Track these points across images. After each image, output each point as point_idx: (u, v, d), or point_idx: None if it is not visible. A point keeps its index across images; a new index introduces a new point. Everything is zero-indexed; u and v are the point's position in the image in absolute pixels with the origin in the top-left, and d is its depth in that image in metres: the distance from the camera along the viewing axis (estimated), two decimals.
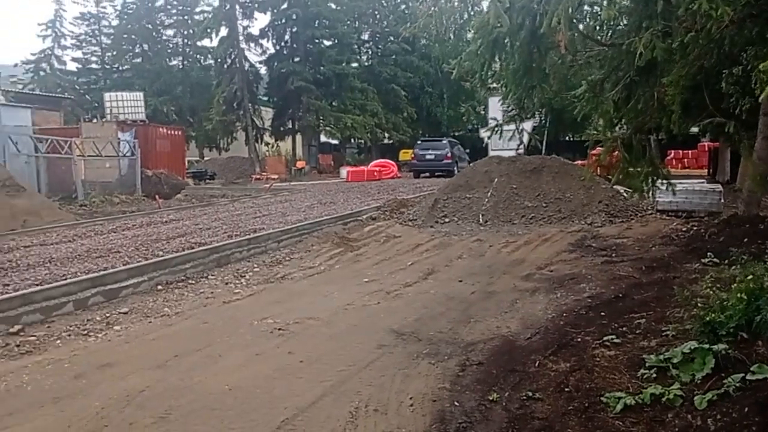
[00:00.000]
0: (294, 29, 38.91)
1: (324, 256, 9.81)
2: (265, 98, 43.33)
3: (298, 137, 41.94)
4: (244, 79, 37.19)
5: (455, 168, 30.28)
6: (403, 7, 45.57)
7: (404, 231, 12.25)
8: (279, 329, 5.82)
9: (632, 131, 5.55)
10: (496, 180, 13.85)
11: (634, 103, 5.28)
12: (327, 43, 40.09)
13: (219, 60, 39.30)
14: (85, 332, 5.89)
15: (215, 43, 40.67)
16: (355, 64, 42.14)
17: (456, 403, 4.02)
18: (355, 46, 43.39)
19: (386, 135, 42.27)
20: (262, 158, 38.79)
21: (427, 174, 31.26)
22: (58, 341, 5.62)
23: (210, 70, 53.16)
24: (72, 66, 58.61)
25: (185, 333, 5.84)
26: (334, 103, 38.58)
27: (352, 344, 5.36)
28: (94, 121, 29.70)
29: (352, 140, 43.99)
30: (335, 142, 47.32)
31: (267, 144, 42.50)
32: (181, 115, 48.72)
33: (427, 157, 30.23)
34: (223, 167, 40.12)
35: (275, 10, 38.72)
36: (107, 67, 58.04)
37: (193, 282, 8.00)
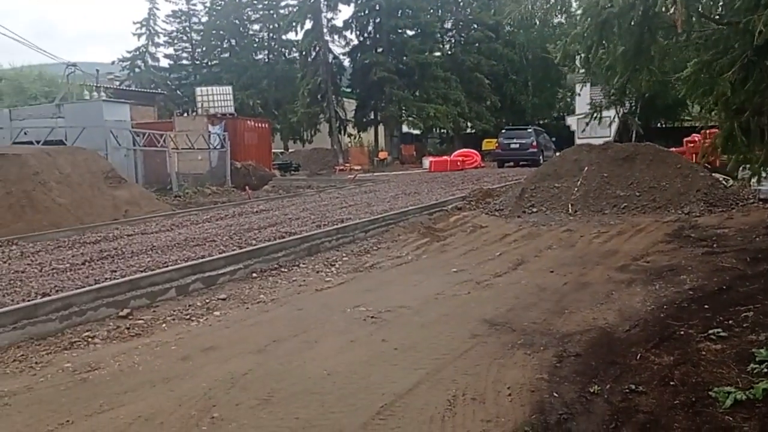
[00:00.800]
0: (377, 20, 39.07)
1: (411, 246, 9.84)
2: (348, 90, 43.77)
3: (380, 128, 42.16)
4: (328, 71, 37.71)
5: (540, 157, 29.67)
6: None
7: (491, 221, 12.11)
8: (372, 317, 5.89)
9: (749, 114, 5.23)
10: (586, 169, 13.45)
11: (752, 84, 4.97)
12: (410, 32, 40.03)
13: (304, 53, 39.99)
14: (188, 317, 6.14)
15: (300, 36, 41.47)
16: (437, 53, 41.89)
17: (555, 395, 3.95)
18: (438, 35, 43.14)
19: (469, 124, 41.85)
20: (345, 149, 39.25)
21: (511, 163, 30.80)
22: (164, 325, 5.90)
23: (294, 64, 54.27)
24: (164, 62, 61.36)
25: (281, 319, 6.00)
26: (416, 93, 38.52)
27: (444, 333, 5.36)
28: (185, 115, 30.99)
29: (434, 130, 43.78)
30: (417, 132, 47.29)
31: (350, 135, 42.98)
32: (267, 108, 49.96)
33: (512, 146, 29.76)
34: (306, 159, 40.93)
35: (359, 1, 39.01)
36: (197, 62, 60.26)
37: (286, 270, 8.20)
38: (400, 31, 39.57)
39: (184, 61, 60.94)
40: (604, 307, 5.92)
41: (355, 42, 40.58)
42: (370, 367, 4.60)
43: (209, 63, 59.24)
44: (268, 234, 10.35)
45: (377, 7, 38.29)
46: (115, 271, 7.61)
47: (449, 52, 40.83)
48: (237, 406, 3.99)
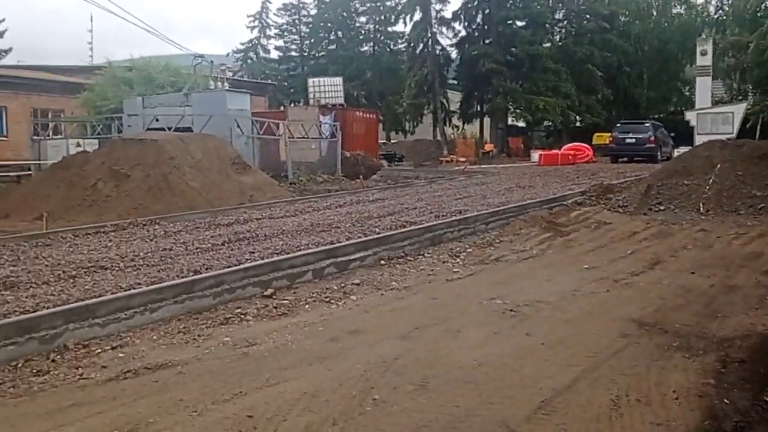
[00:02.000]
0: (487, 11, 38.65)
1: (533, 240, 9.69)
2: (454, 82, 43.55)
3: (485, 120, 41.71)
4: (435, 63, 37.71)
5: (658, 153, 28.44)
6: None
7: (614, 218, 11.71)
8: (510, 310, 5.85)
9: None
10: (718, 166, 12.74)
11: None
12: (520, 23, 39.30)
13: (411, 44, 40.17)
14: (327, 299, 6.33)
15: (407, 28, 41.66)
16: (547, 45, 40.87)
17: (726, 401, 3.79)
18: (548, 26, 42.08)
19: (578, 118, 40.61)
20: (450, 141, 39.13)
21: (625, 159, 29.66)
22: (307, 306, 6.11)
23: (399, 55, 54.69)
24: (274, 54, 63.44)
25: (418, 307, 6.07)
26: (525, 85, 37.78)
27: (590, 331, 5.25)
28: (297, 105, 31.87)
29: (541, 123, 42.77)
30: (522, 125, 46.45)
31: (455, 127, 42.81)
32: (370, 99, 50.61)
33: (627, 140, 28.64)
34: (409, 150, 41.13)
35: None
36: (305, 54, 61.90)
37: (411, 259, 8.28)
38: (509, 22, 38.94)
39: (293, 53, 62.76)
40: (761, 312, 5.60)
41: (463, 33, 40.31)
42: (520, 361, 4.57)
43: (316, 55, 60.69)
44: (388, 222, 10.50)
45: None
46: (253, 252, 7.95)
47: (560, 44, 39.71)
48: (395, 389, 4.07)
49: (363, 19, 57.60)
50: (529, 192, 15.02)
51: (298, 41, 62.29)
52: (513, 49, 37.58)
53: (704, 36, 40.59)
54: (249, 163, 15.29)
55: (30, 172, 24.03)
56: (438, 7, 39.51)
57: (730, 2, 43.33)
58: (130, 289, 6.10)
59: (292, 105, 29.52)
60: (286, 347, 4.94)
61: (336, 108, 27.86)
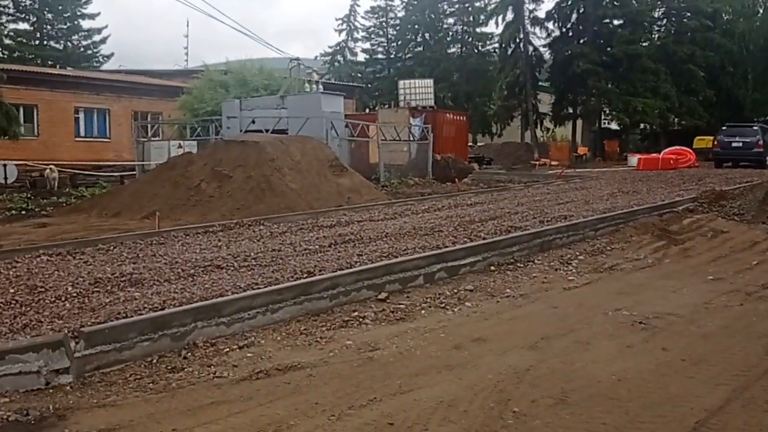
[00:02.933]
0: (582, 10, 37.52)
1: (647, 249, 9.24)
2: (545, 84, 42.59)
3: (578, 123, 40.53)
4: (527, 64, 36.94)
5: (766, 158, 26.81)
6: None
7: (730, 226, 11.01)
8: (639, 322, 5.55)
9: None
10: None
11: None
12: (616, 22, 37.91)
13: (503, 45, 39.51)
14: (442, 305, 6.21)
15: (498, 28, 41.04)
16: (646, 44, 39.24)
17: None
18: (646, 24, 40.43)
19: (677, 120, 38.80)
20: (541, 144, 38.28)
21: (730, 164, 28.10)
22: (423, 311, 6.01)
23: (487, 57, 54.08)
24: (361, 57, 64.09)
25: (539, 316, 5.86)
26: (622, 86, 36.38)
27: (732, 348, 4.90)
28: (385, 107, 31.97)
29: (637, 126, 41.09)
30: (615, 128, 44.89)
31: (546, 129, 41.87)
32: (457, 101, 50.21)
33: (733, 144, 27.13)
34: (497, 153, 40.54)
35: None
36: (391, 56, 62.18)
37: (522, 265, 8.04)
38: (606, 20, 37.65)
39: (380, 56, 63.18)
40: None
41: (557, 33, 39.29)
42: (663, 378, 4.30)
43: (403, 57, 60.82)
44: (492, 227, 10.28)
45: None
46: (361, 255, 7.93)
47: (659, 43, 38.04)
48: (533, 402, 3.90)
49: (451, 20, 57.32)
50: (635, 198, 14.41)
51: (385, 44, 62.63)
52: (609, 48, 36.22)
53: None
54: (345, 165, 15.40)
55: (134, 173, 25.26)
56: (531, 6, 38.85)
57: None
58: (248, 289, 6.19)
59: (385, 107, 29.56)
60: (410, 353, 4.85)
61: (426, 110, 27.76)
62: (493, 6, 40.49)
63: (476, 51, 55.35)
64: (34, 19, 50.33)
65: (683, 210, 12.63)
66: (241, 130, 19.89)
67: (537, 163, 31.56)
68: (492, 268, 7.81)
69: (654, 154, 28.68)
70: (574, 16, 38.38)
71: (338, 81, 54.63)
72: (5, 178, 20.42)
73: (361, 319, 5.69)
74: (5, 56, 46.31)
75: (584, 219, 10.27)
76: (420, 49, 58.66)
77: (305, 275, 6.78)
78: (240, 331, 5.29)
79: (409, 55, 59.90)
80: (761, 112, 41.53)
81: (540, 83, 41.56)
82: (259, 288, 6.22)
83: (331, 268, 7.11)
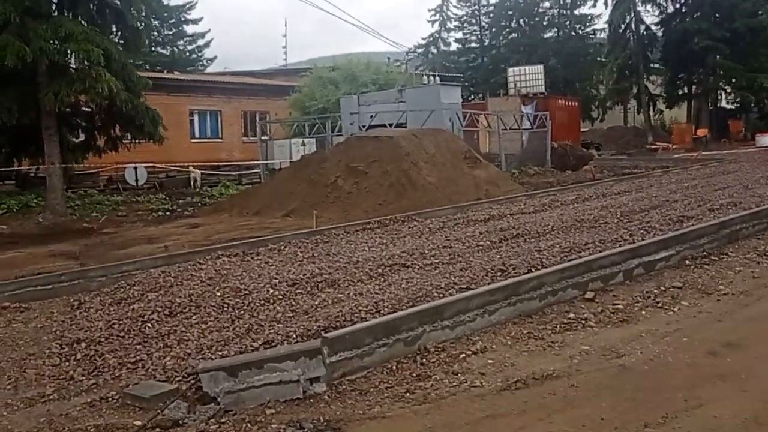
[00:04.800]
0: None
1: None
2: (656, 64, 40.48)
3: (692, 104, 38.35)
4: (639, 44, 35.21)
5: None
6: None
7: None
8: None
9: None
10: None
11: None
12: None
13: (612, 26, 37.83)
14: (659, 305, 5.79)
15: (599, 9, 39.39)
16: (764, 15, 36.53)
17: None
18: None
19: None
20: (655, 127, 36.46)
21: None
22: (643, 312, 5.62)
23: (585, 39, 52.05)
24: (454, 47, 63.22)
25: None
26: (745, 62, 33.99)
27: None
28: (493, 96, 31.33)
29: (760, 104, 38.30)
30: (730, 107, 42.21)
31: (659, 111, 39.89)
32: (555, 86, 48.58)
33: None
34: (604, 138, 38.99)
35: None
36: (485, 45, 61.03)
37: (716, 259, 7.45)
38: None
39: (473, 44, 62.15)
40: None
41: (670, 10, 37.22)
42: None
43: (498, 44, 59.55)
44: (658, 217, 9.68)
45: None
46: (540, 251, 7.57)
47: None
48: None
49: (546, 4, 55.51)
50: None
51: (478, 32, 61.54)
52: (728, 23, 33.87)
53: None
54: (479, 157, 15.08)
55: (252, 171, 25.90)
56: None
57: None
58: (450, 289, 6.00)
59: (495, 96, 28.95)
60: (662, 361, 4.49)
61: (537, 97, 27.01)
62: None
63: (574, 34, 53.40)
64: (142, 26, 52.57)
65: None
66: (361, 126, 19.91)
67: (659, 147, 30.00)
68: (687, 262, 7.28)
69: None
70: None
71: (432, 72, 54.24)
72: (136, 181, 21.36)
73: (583, 321, 5.37)
74: None
75: (766, 207, 9.48)
76: (515, 35, 57.22)
77: (499, 274, 6.52)
78: (463, 335, 5.09)
79: (504, 42, 58.58)
80: None
81: (651, 64, 39.54)
82: (458, 288, 6.03)
83: (518, 265, 6.81)
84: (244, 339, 5.03)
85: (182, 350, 4.95)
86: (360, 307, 5.51)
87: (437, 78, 24.33)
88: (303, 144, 20.66)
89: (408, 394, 4.09)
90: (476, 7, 60.96)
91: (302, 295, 6.17)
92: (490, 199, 12.69)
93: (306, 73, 31.69)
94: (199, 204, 17.07)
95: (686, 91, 37.98)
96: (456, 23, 62.52)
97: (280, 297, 6.08)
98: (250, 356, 4.25)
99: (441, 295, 5.81)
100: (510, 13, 57.59)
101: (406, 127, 18.95)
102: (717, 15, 34.73)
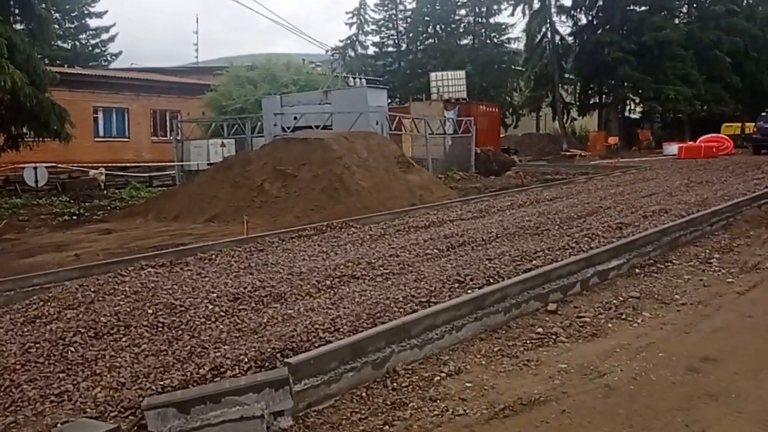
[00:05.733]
0: None
1: None
2: (570, 74, 41.77)
3: (602, 112, 39.82)
4: (554, 53, 36.18)
5: None
6: None
7: None
8: None
9: None
10: None
11: None
12: (642, 9, 37.06)
13: (530, 35, 38.71)
14: (621, 316, 5.63)
15: (515, 18, 40.22)
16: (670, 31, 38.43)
17: None
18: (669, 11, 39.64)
19: (704, 107, 38.06)
20: (583, 135, 37.55)
21: (764, 151, 27.51)
22: (609, 324, 5.43)
23: (500, 47, 53.17)
24: (371, 50, 63.08)
25: (743, 327, 5.29)
26: (653, 74, 35.56)
27: None
28: (415, 100, 31.28)
29: (671, 113, 40.05)
30: (635, 116, 44.23)
31: (573, 120, 41.17)
32: (470, 93, 49.23)
33: None
34: (519, 144, 39.83)
35: None
36: (402, 49, 61.28)
37: (662, 266, 7.45)
38: (632, 8, 36.78)
39: (390, 48, 62.27)
40: None
41: (583, 21, 38.50)
42: None
43: (414, 50, 59.92)
44: (597, 224, 9.67)
45: None
46: (491, 260, 7.30)
47: (684, 30, 37.19)
48: None
49: (463, 11, 56.37)
50: (711, 188, 13.82)
51: (395, 36, 61.75)
52: (635, 36, 35.31)
53: None
54: (412, 161, 14.78)
55: (164, 173, 24.64)
56: None
57: None
58: (408, 303, 5.60)
59: (424, 99, 28.86)
60: (646, 379, 4.27)
61: (460, 102, 27.13)
62: None
63: (489, 42, 54.47)
64: (48, 16, 49.40)
65: None
66: (285, 127, 19.23)
67: (577, 154, 30.83)
68: (637, 270, 7.23)
69: (696, 143, 28.06)
70: (600, 3, 37.56)
71: (357, 75, 53.79)
72: (36, 182, 19.75)
73: (553, 336, 5.10)
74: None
75: (700, 214, 9.65)
76: (432, 41, 57.78)
77: (457, 285, 6.18)
78: (432, 354, 4.71)
79: (421, 47, 59.03)
80: None
81: (565, 74, 40.78)
82: (417, 301, 5.64)
83: (473, 275, 6.49)
84: (187, 364, 4.42)
85: (114, 379, 4.29)
86: (316, 325, 5.00)
87: (363, 80, 23.84)
88: (223, 145, 19.75)
89: (386, 426, 3.66)
90: (394, 11, 61.14)
91: (247, 311, 5.59)
92: (425, 205, 12.40)
93: (222, 71, 30.54)
94: (108, 208, 15.91)
95: (597, 100, 39.46)
96: (374, 27, 62.57)
97: (222, 314, 5.48)
98: (205, 389, 3.67)
99: (401, 310, 5.40)
100: (427, 19, 58.07)
101: (331, 129, 18.44)
102: (626, 28, 36.17)
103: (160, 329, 5.14)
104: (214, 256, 8.01)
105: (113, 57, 54.39)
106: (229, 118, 24.11)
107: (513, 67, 47.84)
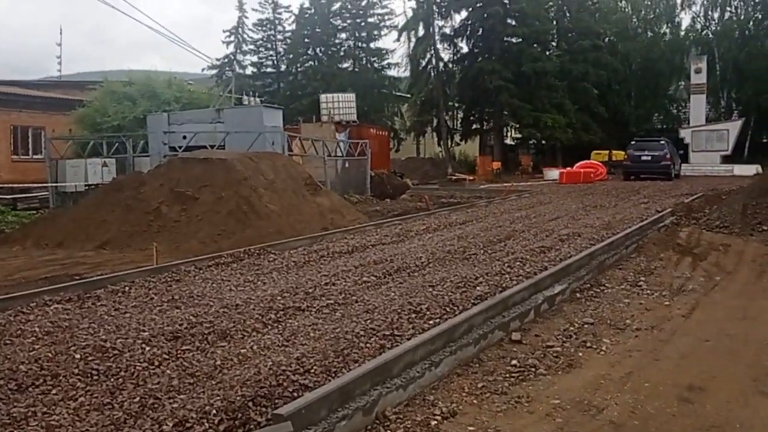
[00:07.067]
0: (488, 27, 38.12)
1: (684, 266, 9.17)
2: (451, 100, 42.98)
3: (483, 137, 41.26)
4: (439, 79, 37.09)
5: (672, 170, 28.49)
6: (588, 2, 43.76)
7: (727, 239, 11.20)
8: None
9: None
10: None
11: None
12: (519, 40, 38.98)
13: (416, 60, 39.47)
14: (588, 345, 5.51)
15: (400, 44, 40.89)
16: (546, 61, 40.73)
17: None
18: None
19: (573, 135, 40.48)
20: (470, 159, 38.52)
21: (632, 177, 29.57)
22: (580, 353, 5.28)
23: (380, 72, 53.88)
24: (249, 70, 61.80)
25: (708, 352, 5.33)
26: (531, 102, 37.34)
27: None
28: (305, 122, 30.75)
29: (549, 140, 42.04)
30: (510, 142, 46.26)
31: (456, 144, 42.27)
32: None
33: (643, 158, 28.59)
34: (402, 168, 40.25)
35: (471, 9, 38.29)
36: (281, 70, 60.58)
37: (598, 290, 7.52)
38: (511, 38, 38.58)
39: (269, 69, 61.36)
40: None
41: (465, 50, 39.85)
42: None
43: (294, 71, 59.41)
44: (517, 247, 9.73)
45: (490, 14, 37.25)
46: (434, 286, 7.02)
47: (557, 62, 39.55)
48: None
49: (343, 35, 56.70)
50: (610, 212, 14.49)
51: (274, 57, 60.96)
52: (514, 66, 37.04)
53: (696, 54, 41.36)
54: (319, 184, 14.29)
55: (30, 195, 22.41)
56: (440, 23, 39.09)
57: (716, 20, 44.39)
58: (372, 337, 5.17)
59: (309, 121, 28.32)
60: (644, 412, 4.13)
61: (351, 125, 27.01)
62: (406, 20, 40.60)
63: (370, 66, 55.10)
64: None
65: (670, 223, 12.81)
66: (177, 147, 18.08)
67: (466, 178, 31.56)
68: (578, 295, 7.24)
69: (575, 168, 29.64)
70: (481, 32, 39.07)
71: (244, 94, 52.30)
72: None
73: (532, 369, 4.86)
74: None
75: (616, 237, 9.97)
76: (312, 63, 57.56)
77: (414, 315, 5.83)
78: (416, 394, 4.32)
79: (300, 69, 58.61)
80: (643, 127, 44.49)
81: (449, 102, 41.94)
82: (381, 334, 5.23)
83: (425, 303, 6.17)
84: (142, 420, 3.74)
85: None
86: (281, 367, 4.45)
87: (257, 99, 23.05)
88: (105, 165, 18.22)
89: None
90: (272, 32, 60.41)
91: (192, 352, 4.91)
92: (339, 229, 11.96)
93: (95, 86, 28.51)
94: None
95: (479, 125, 40.92)
96: (252, 47, 61.42)
97: (165, 356, 4.77)
98: None
99: (367, 345, 4.96)
100: (307, 41, 57.74)
101: (224, 149, 17.57)
102: (506, 58, 37.81)
103: (95, 377, 4.36)
104: (127, 288, 7.14)
105: None
106: (106, 135, 22.39)
107: (393, 92, 48.60)
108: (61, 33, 69.14)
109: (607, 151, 36.37)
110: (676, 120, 45.29)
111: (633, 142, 30.48)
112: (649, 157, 28.36)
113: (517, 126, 39.49)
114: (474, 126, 41.61)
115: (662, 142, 29.56)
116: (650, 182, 26.66)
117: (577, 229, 11.52)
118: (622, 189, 22.37)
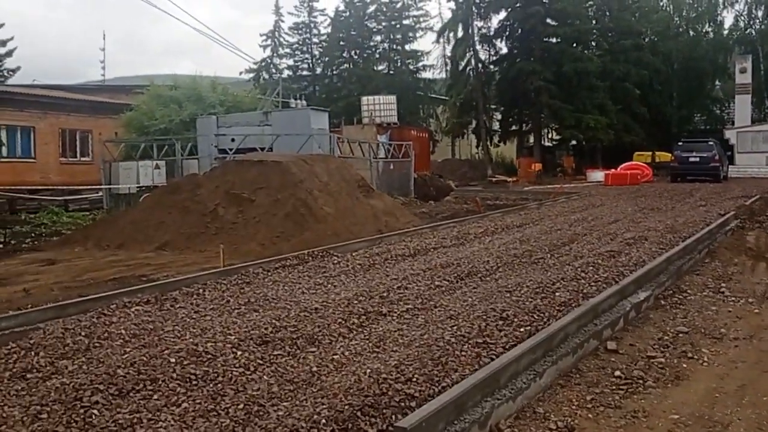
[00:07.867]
0: (528, 27, 37.68)
1: (760, 271, 8.84)
2: (491, 101, 42.63)
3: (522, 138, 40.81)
4: (478, 80, 36.79)
5: (720, 172, 27.82)
6: (629, 1, 43.02)
7: None
8: None
9: None
10: None
11: None
12: (558, 40, 38.46)
13: (455, 62, 39.24)
14: (686, 354, 5.29)
15: (434, 46, 40.65)
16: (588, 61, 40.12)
17: None
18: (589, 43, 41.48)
19: (615, 136, 39.77)
20: (500, 161, 38.22)
21: (678, 179, 28.92)
22: (684, 364, 5.06)
23: (415, 74, 53.67)
24: (286, 74, 62.09)
25: None
26: (572, 103, 36.80)
27: None
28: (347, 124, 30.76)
29: (591, 141, 41.40)
30: (548, 144, 45.69)
31: (496, 146, 41.93)
32: None
33: (691, 159, 27.95)
34: (440, 170, 40.07)
35: (510, 9, 37.93)
36: (317, 73, 60.76)
37: (681, 296, 7.26)
38: (551, 39, 38.10)
39: (304, 72, 61.58)
40: None
41: (505, 51, 39.49)
42: None
43: (330, 74, 59.54)
44: (583, 251, 9.47)
45: (530, 14, 36.84)
46: (510, 292, 6.82)
47: (599, 62, 38.93)
48: None
49: (378, 38, 56.65)
50: (669, 215, 14.11)
51: (309, 60, 61.19)
52: (555, 66, 36.53)
53: (740, 53, 40.35)
54: (372, 186, 14.19)
55: (86, 196, 22.78)
56: (479, 24, 38.79)
57: (760, 19, 43.27)
58: (464, 344, 5.00)
59: (350, 123, 28.39)
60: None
61: (392, 126, 26.90)
62: (444, 22, 40.44)
63: (405, 69, 54.93)
64: None
65: (735, 227, 12.46)
66: (228, 149, 18.17)
67: (510, 180, 31.24)
68: (662, 302, 6.97)
69: (617, 170, 29.12)
70: (521, 33, 38.65)
71: (291, 97, 52.54)
72: None
73: (639, 381, 4.65)
74: None
75: (689, 241, 9.66)
76: (347, 66, 57.63)
77: (501, 322, 5.63)
78: (524, 406, 4.14)
79: (336, 72, 58.73)
80: (685, 128, 43.61)
81: (488, 104, 41.59)
82: (473, 342, 5.05)
83: (510, 310, 5.98)
84: (251, 428, 3.63)
85: None
86: (381, 375, 4.30)
87: (304, 102, 23.11)
88: (156, 167, 18.40)
89: None
90: (308, 35, 60.66)
91: (283, 356, 4.81)
92: (396, 232, 11.82)
93: (141, 90, 28.88)
94: (33, 234, 14.32)
95: (517, 127, 40.50)
96: (288, 50, 61.73)
97: (259, 361, 4.67)
98: None
99: (464, 354, 4.79)
100: (342, 44, 57.89)
101: (273, 151, 17.59)
102: (547, 58, 37.32)
103: (194, 382, 4.27)
104: (201, 291, 7.09)
105: (11, 72, 50.67)
106: (155, 138, 22.64)
107: (428, 94, 48.43)
108: (104, 38, 70.59)
109: (650, 153, 35.70)
110: (719, 121, 44.30)
111: (680, 143, 29.83)
112: (698, 159, 27.71)
113: (557, 127, 38.93)
114: (513, 127, 41.16)
115: (711, 143, 28.88)
116: (699, 184, 26.05)
117: (641, 233, 11.19)
118: (672, 191, 21.86)
